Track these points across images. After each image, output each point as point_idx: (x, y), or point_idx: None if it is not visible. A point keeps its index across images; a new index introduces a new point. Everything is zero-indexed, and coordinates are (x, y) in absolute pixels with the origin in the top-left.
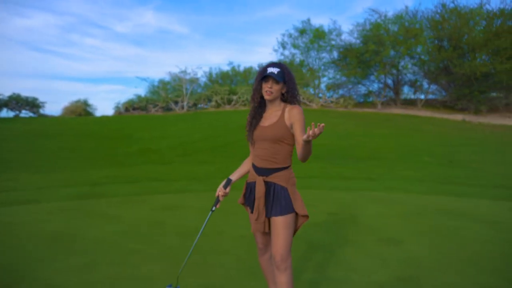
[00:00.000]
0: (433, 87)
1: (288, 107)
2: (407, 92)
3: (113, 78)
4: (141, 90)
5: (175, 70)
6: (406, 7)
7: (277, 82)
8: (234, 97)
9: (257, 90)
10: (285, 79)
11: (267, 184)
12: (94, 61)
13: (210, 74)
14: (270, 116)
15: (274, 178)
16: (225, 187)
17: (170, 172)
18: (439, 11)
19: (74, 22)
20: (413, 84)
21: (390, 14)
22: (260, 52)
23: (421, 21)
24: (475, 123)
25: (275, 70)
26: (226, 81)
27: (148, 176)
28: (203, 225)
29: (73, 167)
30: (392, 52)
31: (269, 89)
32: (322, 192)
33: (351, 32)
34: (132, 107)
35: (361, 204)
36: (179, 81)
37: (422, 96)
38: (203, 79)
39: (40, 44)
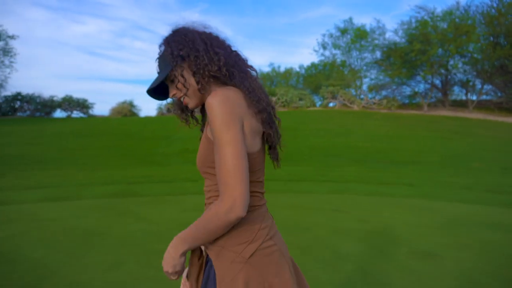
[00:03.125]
0: (487, 87)
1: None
2: (457, 92)
3: None
4: None
5: None
6: (457, 2)
7: (172, 81)
8: (274, 98)
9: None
10: (178, 58)
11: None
12: (142, 63)
13: None
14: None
15: (208, 249)
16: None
17: None
18: (495, 5)
19: (125, 27)
20: (465, 85)
21: (439, 10)
22: (301, 53)
23: (474, 16)
24: None
25: (157, 65)
26: (266, 82)
27: (183, 177)
28: None
29: (113, 165)
30: (440, 51)
31: (177, 98)
32: (356, 198)
33: (395, 31)
34: None
35: (397, 211)
36: None
37: (474, 97)
38: None
39: (94, 48)
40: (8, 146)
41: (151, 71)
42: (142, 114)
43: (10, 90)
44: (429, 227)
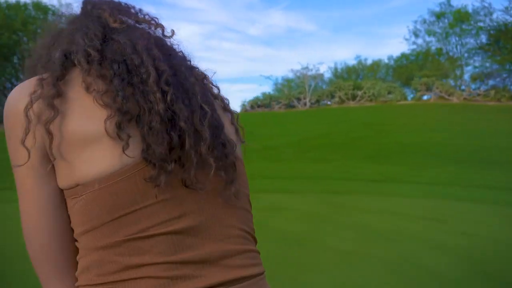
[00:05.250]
0: None
1: None
2: None
3: (246, 77)
4: (268, 88)
5: (298, 67)
6: None
7: None
8: (359, 93)
9: None
10: None
11: None
12: (230, 62)
13: (335, 69)
14: None
15: None
16: None
17: (284, 170)
18: None
19: (213, 29)
20: None
21: None
22: (389, 44)
23: None
24: None
25: None
26: (351, 75)
27: (261, 174)
28: None
29: None
30: None
31: None
32: (456, 204)
33: (506, 10)
34: (257, 105)
35: (510, 224)
36: (302, 77)
37: None
38: (328, 75)
39: (186, 51)
40: None
41: (240, 69)
42: None
43: None
44: None
